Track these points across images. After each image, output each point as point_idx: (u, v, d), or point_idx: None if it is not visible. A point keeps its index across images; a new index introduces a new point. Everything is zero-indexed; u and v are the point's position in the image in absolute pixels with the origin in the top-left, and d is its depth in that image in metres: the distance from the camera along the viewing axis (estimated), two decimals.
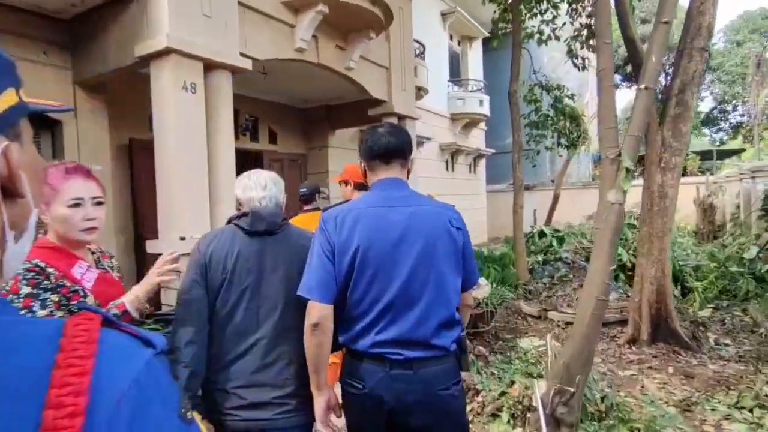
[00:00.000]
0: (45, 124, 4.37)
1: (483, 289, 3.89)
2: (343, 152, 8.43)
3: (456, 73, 13.84)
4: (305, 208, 3.46)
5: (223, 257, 1.53)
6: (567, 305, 5.01)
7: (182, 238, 3.66)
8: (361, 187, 2.80)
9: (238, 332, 1.51)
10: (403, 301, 1.39)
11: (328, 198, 7.80)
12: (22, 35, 4.04)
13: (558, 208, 14.08)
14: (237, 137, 6.93)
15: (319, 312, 1.36)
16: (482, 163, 15.40)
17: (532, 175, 16.53)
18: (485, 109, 13.37)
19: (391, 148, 1.49)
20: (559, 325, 4.90)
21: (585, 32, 7.72)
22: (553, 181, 16.07)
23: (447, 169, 12.94)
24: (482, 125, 15.18)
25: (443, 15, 12.53)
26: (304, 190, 3.58)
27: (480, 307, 4.49)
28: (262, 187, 1.65)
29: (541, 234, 8.66)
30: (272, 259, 1.57)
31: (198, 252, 1.55)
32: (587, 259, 6.81)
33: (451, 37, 13.60)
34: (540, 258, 7.92)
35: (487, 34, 13.80)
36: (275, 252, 1.58)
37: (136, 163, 5.12)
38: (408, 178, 1.60)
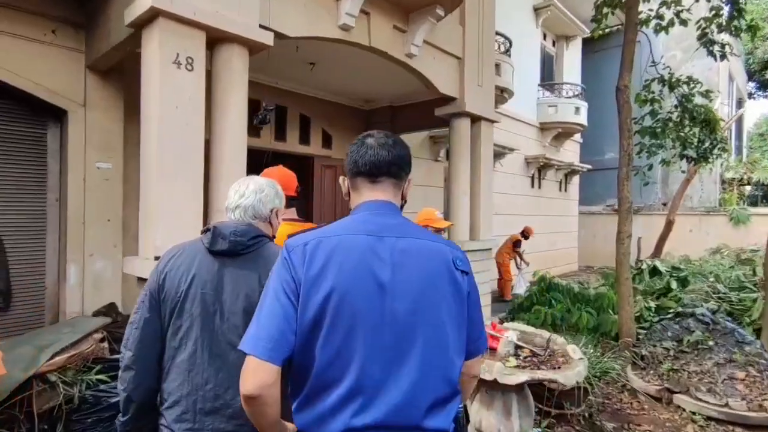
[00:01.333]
0: (52, 114, 3.85)
1: (575, 368, 2.51)
2: None
3: (548, 77, 12.15)
4: None
5: (178, 278, 1.36)
6: (707, 390, 3.35)
7: (158, 258, 2.79)
8: (291, 201, 2.17)
9: (190, 366, 1.33)
10: (389, 368, 1.01)
11: None
12: (26, 11, 3.54)
13: (671, 238, 11.63)
14: (283, 138, 6.19)
15: (261, 378, 0.96)
16: (575, 180, 13.38)
17: (635, 195, 14.09)
18: (582, 118, 11.49)
19: (381, 163, 1.15)
20: (694, 420, 3.27)
21: (726, 9, 5.88)
22: (665, 204, 13.49)
23: (533, 185, 11.27)
24: (577, 137, 13.23)
25: (536, 10, 11.02)
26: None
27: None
28: (240, 195, 1.47)
29: (654, 271, 6.77)
30: (233, 284, 1.36)
31: (155, 269, 1.41)
32: (733, 317, 4.93)
33: (544, 36, 11.99)
34: (651, 303, 6.10)
35: (588, 33, 11.98)
36: (238, 276, 1.37)
37: None
38: (403, 204, 1.21)
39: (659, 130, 6.44)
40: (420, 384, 1.01)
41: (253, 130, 5.55)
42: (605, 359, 3.68)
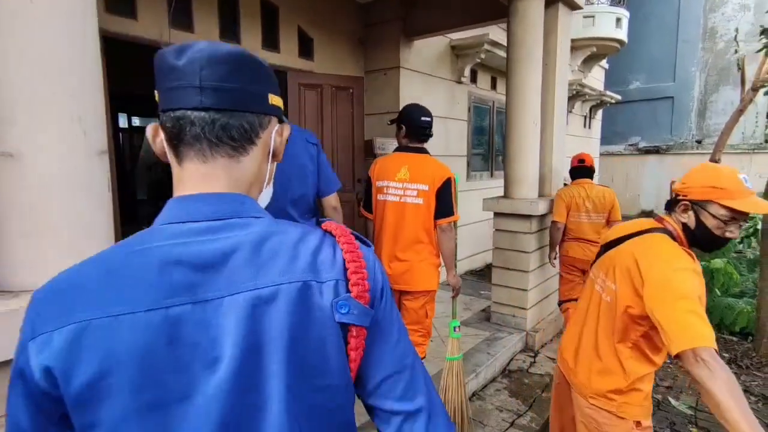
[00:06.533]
0: None
1: None
2: (424, 79, 5.08)
3: None
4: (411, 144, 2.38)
5: None
6: None
7: None
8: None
9: None
10: None
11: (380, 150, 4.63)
12: None
13: None
14: (234, 37, 3.80)
15: None
16: (599, 115, 11.33)
17: (663, 131, 12.22)
18: (622, 33, 9.21)
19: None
20: None
21: None
22: (699, 142, 11.73)
23: None
24: (604, 62, 11.01)
25: None
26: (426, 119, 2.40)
27: None
28: None
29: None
30: None
31: None
32: None
33: None
34: None
35: None
36: None
37: None
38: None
39: None
40: None
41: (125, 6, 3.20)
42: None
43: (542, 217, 3.65)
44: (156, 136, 0.59)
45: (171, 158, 0.58)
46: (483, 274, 6.00)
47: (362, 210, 2.54)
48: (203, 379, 0.50)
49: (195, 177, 0.56)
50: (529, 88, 3.45)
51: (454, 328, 2.37)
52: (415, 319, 2.32)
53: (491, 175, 6.59)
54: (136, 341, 0.48)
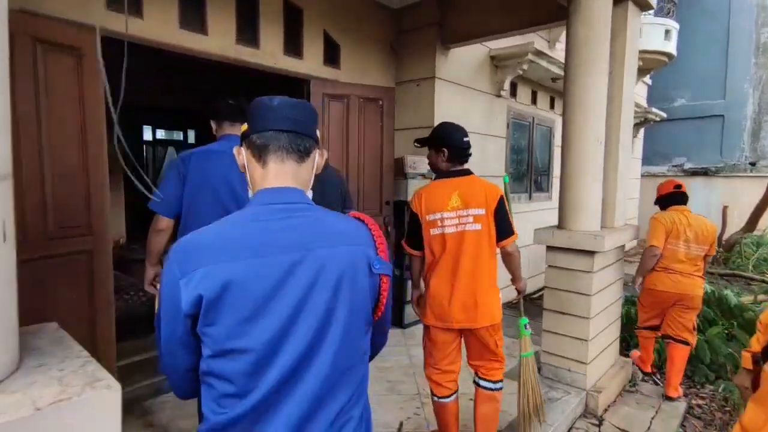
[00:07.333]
0: None
1: None
2: (461, 91, 4.57)
3: None
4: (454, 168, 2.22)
5: None
6: None
7: None
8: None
9: None
10: None
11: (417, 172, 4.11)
12: None
13: None
14: (253, 41, 3.37)
15: None
16: (641, 133, 10.58)
17: (711, 152, 11.33)
18: (671, 46, 8.55)
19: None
20: None
21: None
22: (753, 164, 10.78)
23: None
24: (647, 78, 10.32)
25: None
26: (467, 140, 2.25)
27: None
28: None
29: None
30: None
31: None
32: None
33: None
34: None
35: None
36: None
37: None
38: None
39: None
40: None
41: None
42: None
43: (607, 253, 3.06)
44: (239, 155, 0.98)
45: (253, 164, 0.94)
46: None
47: (405, 245, 2.28)
48: (284, 300, 0.83)
49: (274, 173, 0.92)
50: (593, 97, 2.90)
51: (525, 325, 2.44)
52: (488, 351, 2.19)
53: (530, 198, 5.98)
54: (241, 276, 0.81)
